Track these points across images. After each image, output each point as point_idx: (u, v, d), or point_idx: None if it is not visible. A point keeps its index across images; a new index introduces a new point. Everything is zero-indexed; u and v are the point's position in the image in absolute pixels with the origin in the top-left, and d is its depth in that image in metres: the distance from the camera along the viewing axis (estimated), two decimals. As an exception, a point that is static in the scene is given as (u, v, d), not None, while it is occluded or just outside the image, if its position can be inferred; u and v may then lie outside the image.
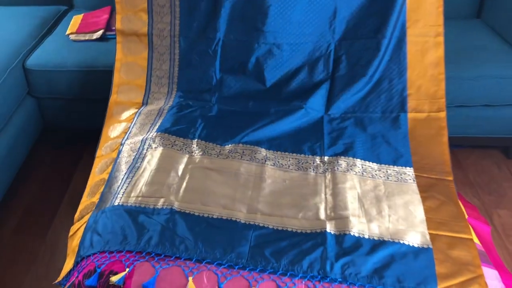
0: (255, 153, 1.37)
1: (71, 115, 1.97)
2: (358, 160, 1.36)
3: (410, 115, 1.50)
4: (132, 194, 1.23)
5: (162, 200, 1.21)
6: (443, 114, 1.49)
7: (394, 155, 1.39)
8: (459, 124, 1.99)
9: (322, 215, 1.19)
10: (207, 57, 1.58)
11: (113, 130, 1.56)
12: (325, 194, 1.26)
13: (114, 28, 2.00)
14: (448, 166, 1.38)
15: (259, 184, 1.28)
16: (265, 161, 1.35)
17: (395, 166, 1.36)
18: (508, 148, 2.14)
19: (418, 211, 1.21)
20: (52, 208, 1.83)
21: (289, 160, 1.37)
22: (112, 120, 1.59)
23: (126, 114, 1.60)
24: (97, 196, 1.30)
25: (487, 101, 1.91)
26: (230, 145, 1.40)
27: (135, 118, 1.55)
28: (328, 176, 1.31)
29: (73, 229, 1.26)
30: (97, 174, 1.42)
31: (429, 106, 1.50)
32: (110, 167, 1.38)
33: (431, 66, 1.55)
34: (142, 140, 1.43)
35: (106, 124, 1.59)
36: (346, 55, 1.55)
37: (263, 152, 1.38)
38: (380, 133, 1.46)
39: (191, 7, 1.58)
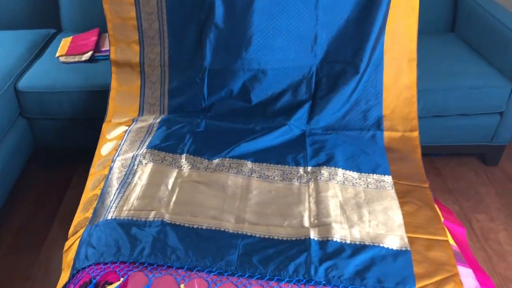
0: (242, 166, 1.44)
1: (62, 135, 2.02)
2: (340, 169, 1.43)
3: (385, 133, 1.59)
4: (125, 208, 1.28)
5: (153, 213, 1.26)
6: (416, 134, 1.59)
7: (373, 165, 1.47)
8: (435, 133, 2.09)
9: (306, 223, 1.26)
10: (195, 84, 1.67)
11: (104, 148, 1.61)
12: (309, 203, 1.32)
13: (103, 49, 2.07)
14: (423, 176, 1.46)
15: (246, 195, 1.35)
16: (251, 173, 1.42)
17: (374, 175, 1.44)
18: (484, 155, 2.23)
19: (397, 216, 1.28)
20: (45, 225, 1.87)
21: (274, 172, 1.43)
22: (104, 139, 1.65)
23: (117, 132, 1.66)
24: (90, 211, 1.35)
25: (461, 110, 2.01)
26: (217, 159, 1.46)
27: (126, 136, 1.61)
28: (312, 185, 1.38)
29: (67, 244, 1.30)
30: (90, 190, 1.47)
31: (403, 126, 1.60)
32: (102, 183, 1.44)
33: (405, 89, 1.67)
34: (132, 157, 1.49)
35: (99, 144, 1.65)
36: (327, 77, 1.65)
37: (249, 165, 1.45)
38: (359, 146, 1.53)
39: (178, 38, 1.66)
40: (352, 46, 1.62)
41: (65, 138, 2.03)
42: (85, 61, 2.00)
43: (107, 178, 1.44)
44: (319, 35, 1.63)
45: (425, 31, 2.39)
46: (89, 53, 2.02)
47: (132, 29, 1.67)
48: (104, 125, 1.71)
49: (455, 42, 2.30)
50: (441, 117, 2.03)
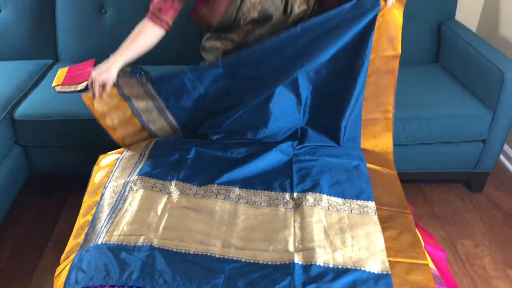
0: (229, 192, 1.48)
1: (57, 162, 2.07)
2: (324, 195, 1.48)
3: (368, 165, 1.64)
4: (115, 233, 1.32)
5: (142, 237, 1.30)
6: (394, 172, 1.66)
7: (357, 191, 1.52)
8: (421, 160, 2.15)
9: (291, 248, 1.29)
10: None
11: (98, 176, 1.66)
12: (294, 228, 1.36)
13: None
14: (405, 202, 1.50)
15: (233, 220, 1.39)
16: (239, 199, 1.46)
17: (358, 200, 1.48)
18: (469, 181, 2.29)
19: (379, 241, 1.33)
20: (37, 251, 1.90)
21: (261, 197, 1.48)
22: (98, 167, 1.70)
23: (109, 160, 1.71)
24: (82, 236, 1.38)
25: (445, 138, 2.08)
26: (206, 185, 1.51)
27: (118, 163, 1.66)
28: (297, 211, 1.42)
29: (58, 269, 1.33)
30: (82, 217, 1.50)
31: (382, 166, 1.67)
32: (94, 209, 1.48)
33: (381, 143, 1.76)
34: (124, 183, 1.53)
35: (93, 172, 1.69)
36: (313, 130, 1.76)
37: (236, 191, 1.49)
38: (344, 174, 1.58)
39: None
40: (335, 103, 1.72)
41: (60, 165, 2.08)
42: (80, 91, 2.07)
43: (98, 204, 1.48)
44: (306, 99, 1.73)
45: (410, 61, 2.49)
46: (85, 83, 2.09)
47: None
48: (100, 156, 1.75)
49: (439, 73, 2.38)
50: (425, 145, 2.10)
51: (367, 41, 1.61)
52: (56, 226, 2.02)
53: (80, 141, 2.00)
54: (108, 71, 1.56)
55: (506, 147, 2.49)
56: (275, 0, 1.59)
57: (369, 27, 1.59)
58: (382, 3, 1.55)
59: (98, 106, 1.67)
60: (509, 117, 2.04)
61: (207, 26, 1.70)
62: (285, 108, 1.68)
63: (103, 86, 1.59)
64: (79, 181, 1.82)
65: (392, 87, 1.73)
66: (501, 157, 2.52)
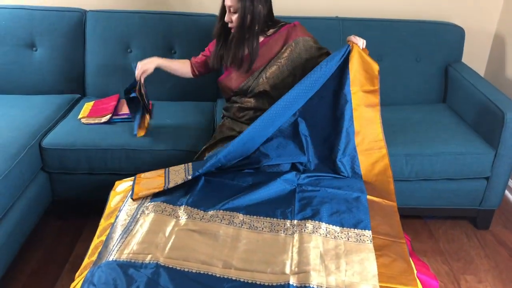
0: (234, 218, 1.58)
1: (79, 188, 2.20)
2: (323, 223, 1.56)
3: (368, 196, 1.73)
4: (125, 251, 1.43)
5: (149, 256, 1.40)
6: (394, 203, 1.74)
7: (355, 221, 1.59)
8: (425, 195, 2.21)
9: (287, 270, 1.37)
10: None
11: (114, 201, 1.78)
12: (292, 252, 1.45)
13: (120, 113, 2.31)
14: (401, 233, 1.57)
15: (235, 244, 1.48)
16: (242, 224, 1.56)
17: (356, 229, 1.56)
18: (475, 218, 2.32)
19: (372, 267, 1.39)
20: (55, 273, 2.01)
21: (263, 223, 1.57)
22: (114, 193, 1.83)
23: (125, 186, 1.84)
24: (96, 255, 1.50)
25: (448, 175, 2.14)
26: (212, 211, 1.62)
27: (131, 192, 1.78)
28: (296, 236, 1.51)
29: (73, 284, 1.44)
30: (97, 238, 1.62)
31: (382, 198, 1.76)
32: (108, 230, 1.59)
33: (380, 173, 1.86)
34: (137, 207, 1.65)
35: (110, 197, 1.82)
36: (316, 163, 1.92)
37: (240, 217, 1.59)
38: (344, 204, 1.67)
39: None
40: (328, 144, 1.91)
41: (81, 191, 2.21)
42: (104, 123, 2.23)
43: (112, 225, 1.60)
44: (306, 139, 1.92)
45: (418, 101, 2.59)
46: (108, 116, 2.25)
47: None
48: (117, 182, 1.89)
49: (445, 112, 2.47)
50: (429, 181, 2.16)
51: (345, 77, 1.84)
52: (74, 249, 2.14)
53: (101, 169, 2.14)
54: (150, 63, 2.07)
55: (512, 184, 2.53)
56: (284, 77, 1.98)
57: (344, 66, 1.83)
58: (351, 44, 1.83)
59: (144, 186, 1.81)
60: (511, 155, 2.10)
61: (228, 91, 2.10)
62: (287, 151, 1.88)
63: (143, 73, 2.06)
64: (97, 207, 1.95)
65: (378, 119, 1.90)
66: (508, 194, 2.54)
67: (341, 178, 1.86)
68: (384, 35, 2.56)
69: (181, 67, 2.19)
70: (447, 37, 2.60)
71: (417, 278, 1.39)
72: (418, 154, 2.11)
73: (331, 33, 2.53)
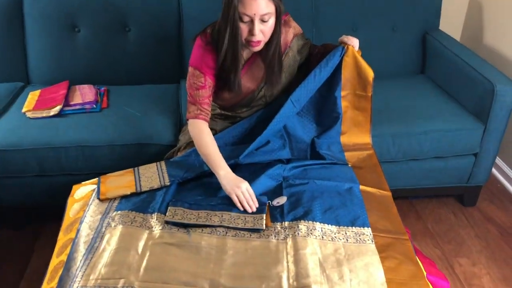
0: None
1: (29, 193, 1.93)
2: (318, 223, 1.39)
3: (361, 187, 1.57)
4: (91, 277, 1.20)
5: (122, 281, 1.19)
6: (389, 194, 1.59)
7: (351, 217, 1.43)
8: (413, 176, 2.08)
9: (285, 285, 1.19)
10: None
11: (73, 210, 1.54)
12: (287, 262, 1.27)
13: (72, 103, 2.02)
14: (402, 227, 1.42)
15: (220, 256, 1.29)
16: (226, 232, 1.36)
17: (354, 227, 1.39)
18: (462, 196, 2.23)
19: (379, 273, 1.23)
20: (9, 292, 1.76)
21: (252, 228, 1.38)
22: (73, 200, 1.58)
23: (84, 191, 1.59)
24: (56, 280, 1.26)
25: (436, 153, 2.01)
26: (190, 217, 1.41)
27: (94, 195, 1.54)
28: (289, 242, 1.33)
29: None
30: (56, 257, 1.38)
31: (376, 188, 1.60)
32: (69, 248, 1.36)
33: (370, 170, 1.70)
34: (101, 219, 1.41)
35: (68, 205, 1.57)
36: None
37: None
38: (337, 198, 1.50)
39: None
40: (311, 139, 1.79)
41: (32, 196, 1.94)
42: (54, 116, 1.95)
43: (73, 242, 1.37)
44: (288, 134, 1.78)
45: (395, 73, 2.44)
46: (58, 108, 1.96)
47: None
48: (74, 186, 1.63)
49: (426, 85, 2.33)
50: (417, 160, 2.03)
51: (337, 79, 1.71)
52: (29, 264, 1.88)
53: (54, 170, 1.87)
54: (239, 182, 1.45)
55: (498, 160, 2.44)
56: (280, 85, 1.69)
57: (338, 67, 1.69)
58: (345, 45, 1.66)
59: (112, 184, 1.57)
60: (500, 130, 1.99)
61: (224, 103, 1.73)
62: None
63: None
64: (53, 213, 1.69)
65: (367, 124, 1.80)
66: (493, 170, 2.47)
67: (329, 165, 1.68)
68: (358, 4, 2.35)
69: (212, 136, 1.58)
70: (423, 3, 2.42)
71: (428, 282, 1.24)
72: (405, 134, 1.96)
73: (302, 4, 2.30)
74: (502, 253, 1.96)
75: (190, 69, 1.58)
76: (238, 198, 1.42)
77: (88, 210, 1.48)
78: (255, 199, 1.44)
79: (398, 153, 1.98)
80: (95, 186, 1.59)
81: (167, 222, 1.39)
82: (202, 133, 1.54)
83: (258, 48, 1.53)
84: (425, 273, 1.27)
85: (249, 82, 1.64)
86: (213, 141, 1.55)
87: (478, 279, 1.84)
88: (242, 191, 1.42)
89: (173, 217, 1.40)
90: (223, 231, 1.36)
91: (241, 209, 1.42)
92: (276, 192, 1.53)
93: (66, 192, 1.62)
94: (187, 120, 1.59)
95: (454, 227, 2.10)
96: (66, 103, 2.02)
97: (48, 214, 1.93)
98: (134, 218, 1.40)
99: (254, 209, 1.42)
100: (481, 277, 1.84)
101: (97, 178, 1.62)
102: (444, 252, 1.97)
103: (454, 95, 2.18)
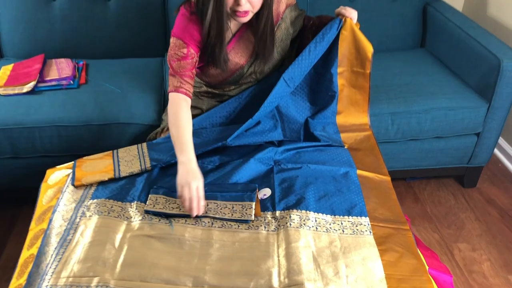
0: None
1: (3, 176, 1.80)
2: (311, 213, 1.28)
3: (358, 171, 1.46)
4: (63, 274, 1.09)
5: (96, 279, 1.08)
6: (388, 178, 1.47)
7: (348, 205, 1.32)
8: (412, 157, 1.97)
9: (276, 283, 1.09)
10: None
11: (46, 197, 1.42)
12: (278, 256, 1.16)
13: (47, 79, 1.87)
14: (402, 216, 1.32)
15: (206, 250, 1.18)
16: (212, 223, 1.25)
17: (350, 217, 1.29)
18: (462, 176, 2.13)
19: (377, 268, 1.13)
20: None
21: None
22: (46, 185, 1.45)
23: (59, 176, 1.46)
24: (25, 277, 1.15)
25: (438, 133, 1.90)
26: (172, 206, 1.29)
27: (69, 180, 1.42)
28: (281, 234, 1.22)
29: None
30: (27, 249, 1.27)
31: (374, 172, 1.49)
32: (40, 240, 1.24)
33: (367, 152, 1.59)
34: (75, 208, 1.29)
35: (41, 190, 1.45)
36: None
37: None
38: (332, 184, 1.39)
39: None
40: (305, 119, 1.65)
41: (7, 180, 1.81)
42: (27, 93, 1.80)
43: (45, 233, 1.25)
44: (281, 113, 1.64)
45: (394, 47, 2.30)
46: (31, 84, 1.81)
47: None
48: (48, 170, 1.51)
49: (426, 59, 2.19)
50: (416, 140, 1.92)
51: (333, 55, 1.57)
52: (4, 250, 1.76)
53: (27, 151, 1.74)
54: (193, 177, 1.25)
55: (500, 139, 2.34)
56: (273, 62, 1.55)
57: (334, 42, 1.55)
58: (342, 17, 1.53)
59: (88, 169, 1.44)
60: (505, 108, 1.87)
61: (210, 80, 1.59)
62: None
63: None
64: (32, 195, 1.56)
65: (365, 102, 1.66)
66: (495, 150, 2.36)
67: (323, 147, 1.57)
68: (355, -29, 2.20)
69: (189, 114, 1.40)
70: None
71: (430, 277, 1.15)
72: (404, 112, 1.84)
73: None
74: (503, 238, 1.87)
75: (172, 39, 1.43)
76: (182, 194, 1.24)
77: (61, 198, 1.36)
78: (201, 204, 1.24)
79: (397, 133, 1.87)
80: (70, 171, 1.47)
81: (147, 212, 1.27)
82: (178, 109, 1.37)
83: (245, 19, 1.38)
84: (427, 267, 1.18)
85: (237, 57, 1.50)
86: (187, 121, 1.36)
87: (478, 265, 1.75)
88: (190, 188, 1.22)
89: (153, 206, 1.28)
90: (208, 222, 1.25)
91: (186, 208, 1.24)
92: (266, 177, 1.41)
93: (43, 175, 1.50)
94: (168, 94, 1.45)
95: (454, 210, 2.01)
96: (41, 79, 1.87)
97: (26, 197, 1.81)
98: (112, 207, 1.28)
99: (197, 213, 1.23)
100: (482, 263, 1.76)
101: (72, 162, 1.49)
102: (443, 236, 1.88)
103: (457, 70, 2.05)
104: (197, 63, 1.44)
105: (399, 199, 1.41)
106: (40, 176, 1.49)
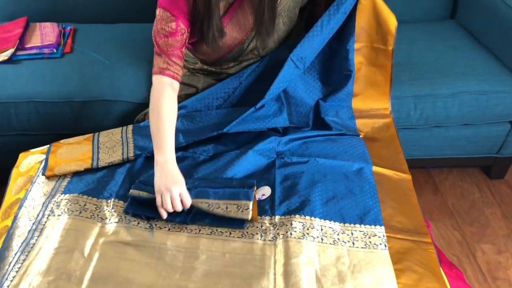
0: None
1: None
2: (317, 219, 1.09)
3: (375, 168, 1.25)
4: (20, 289, 0.93)
5: (58, 297, 0.91)
6: (409, 177, 1.27)
7: (360, 210, 1.13)
8: (434, 145, 1.76)
9: (270, 308, 0.92)
10: None
11: (15, 186, 1.25)
12: (275, 274, 0.98)
13: (28, 46, 1.67)
14: (424, 226, 1.12)
15: (190, 262, 1.00)
16: (199, 230, 1.07)
17: (362, 225, 1.10)
18: (489, 167, 1.91)
19: (392, 293, 0.95)
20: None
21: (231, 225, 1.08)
22: (17, 172, 1.28)
23: (31, 162, 1.29)
24: (-19, 285, 0.99)
25: (466, 120, 1.67)
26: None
27: (41, 167, 1.24)
28: (279, 245, 1.04)
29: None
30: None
31: (392, 169, 1.28)
32: (3, 240, 1.08)
33: (386, 143, 1.39)
34: (43, 204, 1.12)
35: (12, 177, 1.28)
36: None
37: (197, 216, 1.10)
38: (343, 183, 1.19)
39: None
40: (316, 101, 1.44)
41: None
42: (3, 62, 1.60)
43: (8, 233, 1.08)
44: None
45: (420, 18, 2.05)
46: (9, 52, 1.61)
47: None
48: (21, 154, 1.33)
49: (456, 32, 1.93)
50: (441, 127, 1.70)
51: (349, 28, 1.36)
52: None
53: (3, 129, 1.56)
54: (174, 182, 1.07)
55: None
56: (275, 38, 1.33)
57: (351, 13, 1.34)
58: None
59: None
60: (547, 92, 1.63)
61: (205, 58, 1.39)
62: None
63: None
64: (6, 176, 1.39)
65: (386, 83, 1.43)
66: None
67: (335, 136, 1.36)
68: None
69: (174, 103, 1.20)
70: None
71: (455, 305, 0.96)
72: (429, 96, 1.61)
73: None
74: (532, 239, 1.68)
75: (158, 11, 1.21)
76: (163, 203, 1.05)
77: (30, 190, 1.19)
78: (179, 207, 1.06)
79: (419, 118, 1.65)
80: (44, 157, 1.29)
81: (126, 212, 1.10)
82: (161, 95, 1.17)
83: None
84: (451, 292, 0.99)
85: (235, 31, 1.28)
86: (171, 112, 1.16)
87: (504, 270, 1.57)
88: (172, 196, 1.05)
89: (133, 205, 1.10)
90: (195, 229, 1.07)
91: (163, 213, 1.06)
92: (266, 173, 1.22)
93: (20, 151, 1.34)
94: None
95: (478, 205, 1.81)
96: (21, 46, 1.67)
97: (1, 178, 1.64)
98: (85, 205, 1.11)
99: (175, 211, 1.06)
100: (508, 269, 1.57)
101: (47, 146, 1.31)
102: (464, 235, 1.69)
103: (492, 47, 1.79)
104: (187, 40, 1.22)
105: (416, 191, 1.22)
106: (16, 154, 1.33)
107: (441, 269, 1.03)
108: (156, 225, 1.07)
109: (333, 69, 1.42)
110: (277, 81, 1.27)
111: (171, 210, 1.06)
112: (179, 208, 1.05)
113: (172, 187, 1.05)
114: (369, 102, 1.45)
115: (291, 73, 1.31)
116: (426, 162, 1.84)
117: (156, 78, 1.19)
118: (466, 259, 1.60)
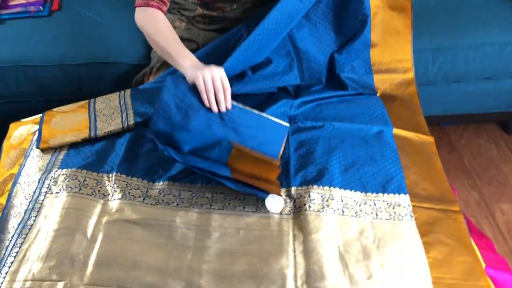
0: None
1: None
2: (337, 189, 1.01)
3: (395, 130, 1.16)
4: (19, 276, 0.86)
5: (61, 284, 0.84)
6: (431, 139, 1.18)
7: (382, 178, 1.04)
8: (451, 100, 1.66)
9: (291, 290, 0.85)
10: None
11: (8, 159, 1.15)
12: (294, 251, 0.91)
13: (11, 4, 1.53)
14: (451, 193, 1.04)
15: (202, 241, 0.93)
16: (211, 204, 0.99)
17: (385, 194, 1.01)
18: (506, 123, 1.82)
19: (422, 270, 0.88)
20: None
21: (245, 197, 1.00)
22: (8, 144, 1.19)
23: (23, 133, 1.19)
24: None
25: (488, 73, 1.57)
26: (161, 181, 1.02)
27: (34, 140, 1.14)
28: (297, 219, 0.96)
29: None
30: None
31: (414, 131, 1.19)
32: (-2, 220, 1.00)
33: (405, 102, 1.30)
34: (39, 180, 1.03)
35: (3, 150, 1.19)
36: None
37: (208, 188, 1.01)
38: (362, 148, 1.10)
39: None
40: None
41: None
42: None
43: (2, 213, 1.00)
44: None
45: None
46: None
47: None
48: (12, 125, 1.23)
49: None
50: (461, 82, 1.59)
51: None
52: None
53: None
54: (212, 67, 1.05)
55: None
56: None
57: None
58: None
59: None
60: None
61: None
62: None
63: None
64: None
65: (407, 30, 1.31)
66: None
67: (351, 97, 1.26)
68: None
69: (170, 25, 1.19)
70: None
71: (489, 280, 0.90)
72: (449, 48, 1.50)
73: None
74: (553, 198, 1.61)
75: None
76: (204, 84, 1.02)
77: (24, 165, 1.09)
78: (228, 96, 1.05)
79: (437, 73, 1.54)
80: (37, 127, 1.19)
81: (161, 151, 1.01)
82: (154, 19, 1.15)
83: None
84: (483, 265, 0.93)
85: None
86: (171, 29, 1.15)
87: (525, 231, 1.51)
88: (213, 76, 1.03)
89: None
90: (206, 203, 0.99)
91: (206, 102, 1.04)
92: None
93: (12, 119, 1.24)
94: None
95: (496, 162, 1.73)
96: (4, 4, 1.53)
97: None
98: (84, 180, 1.02)
99: (223, 108, 1.05)
100: (528, 229, 1.52)
101: (39, 116, 1.21)
102: (483, 195, 1.62)
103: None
104: None
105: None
106: (8, 121, 1.23)
107: (471, 240, 0.96)
108: (163, 200, 0.99)
109: (347, 16, 1.28)
110: (274, 12, 1.13)
111: (212, 91, 1.03)
112: (220, 89, 1.03)
113: (214, 68, 1.03)
114: (389, 53, 1.32)
115: (293, 7, 1.16)
116: (441, 119, 1.75)
117: (140, 10, 1.16)
118: (485, 220, 1.54)
